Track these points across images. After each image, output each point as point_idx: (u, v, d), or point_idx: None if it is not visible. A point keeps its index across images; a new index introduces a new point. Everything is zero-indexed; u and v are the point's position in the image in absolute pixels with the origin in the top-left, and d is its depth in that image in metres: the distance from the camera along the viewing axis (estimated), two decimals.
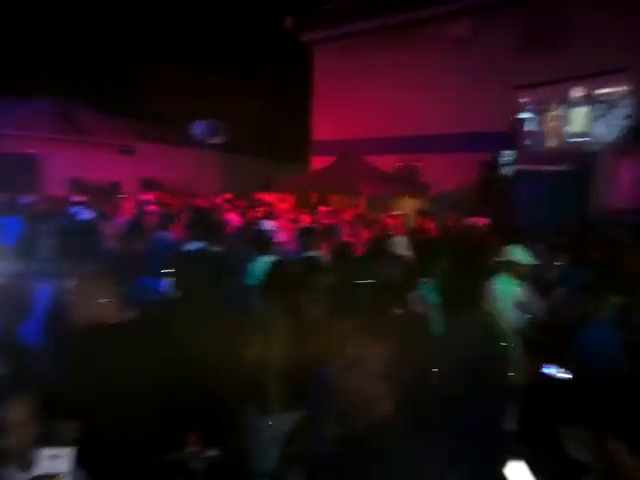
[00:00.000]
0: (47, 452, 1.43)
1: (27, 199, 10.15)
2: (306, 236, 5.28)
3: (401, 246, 6.20)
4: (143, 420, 2.41)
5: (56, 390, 2.09)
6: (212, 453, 1.65)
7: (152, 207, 10.24)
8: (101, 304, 2.58)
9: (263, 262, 4.78)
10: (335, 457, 1.52)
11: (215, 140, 14.59)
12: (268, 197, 13.64)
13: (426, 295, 4.02)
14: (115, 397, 2.25)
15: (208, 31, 22.11)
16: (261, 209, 9.89)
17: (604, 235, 5.89)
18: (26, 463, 1.55)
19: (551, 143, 9.95)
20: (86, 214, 6.78)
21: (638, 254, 4.30)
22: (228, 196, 13.45)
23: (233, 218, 8.66)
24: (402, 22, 13.18)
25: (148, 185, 16.53)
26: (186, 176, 17.34)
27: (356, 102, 13.95)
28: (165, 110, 19.18)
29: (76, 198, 11.00)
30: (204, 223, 6.24)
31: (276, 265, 3.05)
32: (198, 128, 14.47)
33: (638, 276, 3.78)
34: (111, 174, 16.27)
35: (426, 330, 3.20)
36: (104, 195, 13.68)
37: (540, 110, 10.14)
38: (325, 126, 15.01)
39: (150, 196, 13.84)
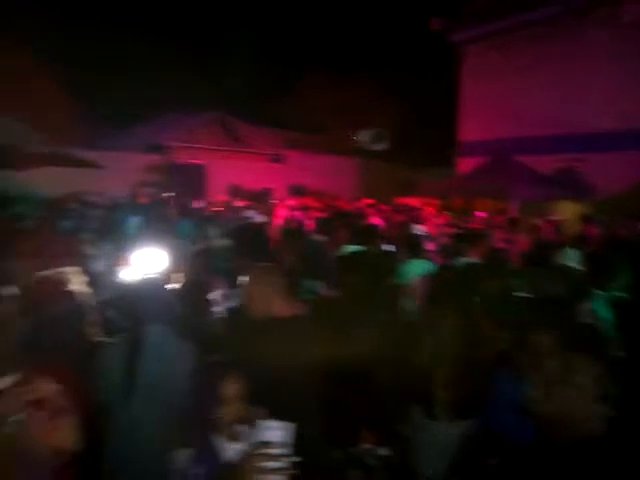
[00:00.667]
0: (265, 424, 1.58)
1: (198, 204, 11.44)
2: (461, 241, 5.11)
3: (566, 255, 5.69)
4: (316, 412, 2.55)
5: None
6: (385, 452, 1.69)
7: (299, 212, 10.88)
8: (273, 298, 2.79)
9: (416, 265, 4.77)
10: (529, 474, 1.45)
11: (379, 147, 14.94)
12: (412, 201, 13.54)
13: (597, 309, 3.65)
14: (290, 388, 2.41)
15: (353, 38, 22.67)
16: (406, 213, 9.84)
17: None
18: (234, 436, 1.77)
19: None
20: (257, 217, 7.43)
21: None
22: (370, 201, 13.67)
23: (377, 222, 8.75)
24: (563, 11, 12.11)
25: (296, 191, 17.50)
26: (330, 182, 18.05)
27: (508, 100, 13.17)
28: (312, 119, 20.18)
29: (239, 203, 12.12)
30: (355, 227, 6.46)
31: (445, 269, 3.01)
32: (364, 135, 14.97)
33: None
34: (264, 181, 17.57)
35: (603, 347, 2.91)
36: (258, 200, 14.82)
37: None
38: (473, 126, 14.43)
39: (298, 202, 14.67)
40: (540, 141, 12.50)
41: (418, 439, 2.78)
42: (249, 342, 2.50)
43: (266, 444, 1.53)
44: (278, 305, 2.82)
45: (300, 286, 4.59)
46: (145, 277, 2.79)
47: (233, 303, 3.58)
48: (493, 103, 13.57)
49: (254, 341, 2.48)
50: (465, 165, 13.71)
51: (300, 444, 2.33)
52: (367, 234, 5.21)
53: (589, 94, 11.49)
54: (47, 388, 2.00)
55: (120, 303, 3.35)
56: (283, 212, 11.24)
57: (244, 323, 2.87)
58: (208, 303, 3.57)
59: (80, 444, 1.96)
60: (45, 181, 10.24)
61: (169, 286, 2.89)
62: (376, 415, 2.32)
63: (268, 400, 2.32)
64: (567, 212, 10.11)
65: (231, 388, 1.77)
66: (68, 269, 3.01)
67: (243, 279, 3.08)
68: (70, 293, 3.13)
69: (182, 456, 1.67)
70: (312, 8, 22.48)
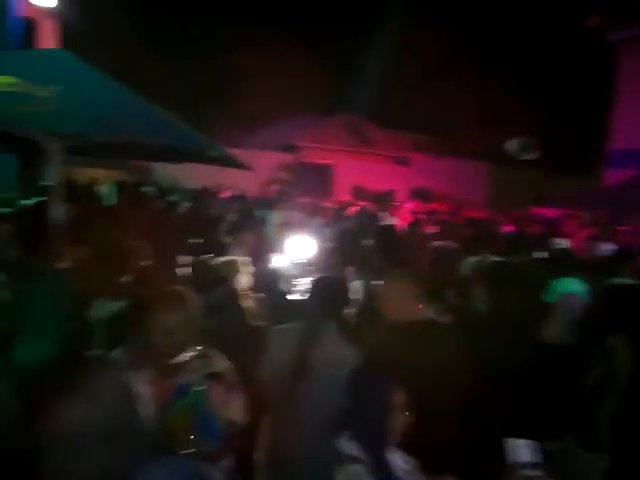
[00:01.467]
0: (515, 442, 1.55)
1: (326, 203, 11.79)
2: (624, 260, 4.65)
3: None
4: (455, 421, 2.50)
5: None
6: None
7: (422, 216, 10.67)
8: (408, 304, 2.76)
9: (566, 282, 4.44)
10: None
11: (529, 157, 14.28)
12: (547, 212, 12.60)
13: None
14: (429, 396, 2.38)
15: (492, 35, 21.58)
16: (545, 224, 9.19)
17: None
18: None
19: None
20: (392, 220, 7.43)
21: None
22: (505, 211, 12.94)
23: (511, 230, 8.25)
24: None
25: (419, 195, 17.22)
26: (456, 187, 17.46)
27: None
28: (439, 121, 19.68)
29: (361, 204, 12.23)
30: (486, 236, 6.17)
31: (622, 290, 2.79)
32: (514, 144, 14.46)
33: None
34: (388, 183, 17.58)
35: None
36: (380, 202, 14.88)
37: None
38: (627, 134, 12.98)
39: (419, 206, 14.43)
40: None
41: (568, 468, 2.61)
42: (397, 346, 2.50)
43: (521, 464, 1.52)
44: (414, 310, 2.79)
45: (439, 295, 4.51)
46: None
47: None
48: None
49: (403, 345, 2.48)
50: (613, 176, 12.39)
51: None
52: (517, 244, 4.95)
53: None
54: (222, 364, 2.23)
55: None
56: (405, 215, 11.14)
57: (383, 326, 2.88)
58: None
59: (247, 419, 2.15)
60: (186, 174, 11.24)
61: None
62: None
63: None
64: None
65: (398, 396, 1.76)
66: (234, 258, 3.29)
67: (377, 281, 3.11)
68: (225, 280, 3.43)
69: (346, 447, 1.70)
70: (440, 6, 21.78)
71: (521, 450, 1.49)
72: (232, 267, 3.25)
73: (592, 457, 2.52)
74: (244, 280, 3.29)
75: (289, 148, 17.46)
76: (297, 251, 4.03)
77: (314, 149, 17.60)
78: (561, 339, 3.30)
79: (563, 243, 6.23)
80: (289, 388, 2.29)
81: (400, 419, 1.72)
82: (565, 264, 4.66)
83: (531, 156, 13.71)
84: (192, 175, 11.13)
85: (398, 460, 1.73)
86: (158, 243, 3.68)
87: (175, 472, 1.33)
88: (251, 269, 3.36)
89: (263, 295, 3.37)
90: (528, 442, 1.54)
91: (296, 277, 4.21)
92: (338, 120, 18.80)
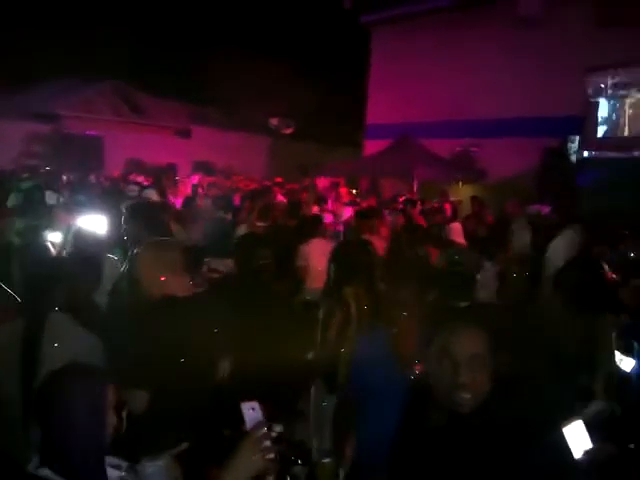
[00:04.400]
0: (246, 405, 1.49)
1: (93, 178, 10.60)
2: (363, 220, 5.18)
3: (456, 233, 6.01)
4: (208, 392, 2.42)
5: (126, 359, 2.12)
6: (278, 429, 1.63)
7: (203, 190, 10.51)
8: (166, 276, 2.56)
9: (320, 244, 4.80)
10: None
11: (288, 131, 14.92)
12: (320, 182, 13.63)
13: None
14: (181, 369, 2.25)
15: (264, 13, 22.09)
16: (311, 193, 9.87)
17: None
18: None
19: (628, 130, 9.32)
20: (153, 195, 6.98)
21: None
22: (278, 180, 13.56)
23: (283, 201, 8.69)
24: (465, 1, 12.67)
25: (201, 168, 16.88)
26: (239, 160, 17.62)
27: (414, 85, 13.59)
28: (221, 94, 19.44)
29: (135, 179, 11.40)
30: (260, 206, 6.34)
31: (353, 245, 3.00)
32: (274, 121, 14.98)
33: None
34: (167, 156, 16.73)
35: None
36: (160, 176, 14.11)
37: (617, 95, 9.49)
38: (381, 109, 14.72)
39: (202, 179, 14.19)
40: (442, 126, 13.09)
41: (315, 413, 2.77)
42: (144, 324, 2.26)
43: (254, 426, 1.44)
44: (174, 283, 2.58)
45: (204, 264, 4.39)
46: None
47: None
48: (399, 87, 13.91)
49: (151, 323, 2.25)
50: (371, 147, 14.01)
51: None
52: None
53: (489, 83, 12.15)
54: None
55: None
56: (186, 189, 10.80)
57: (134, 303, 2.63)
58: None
59: None
60: None
61: None
62: (270, 391, 2.25)
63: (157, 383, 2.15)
64: (462, 194, 10.72)
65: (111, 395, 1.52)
66: None
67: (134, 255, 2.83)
68: None
69: None
70: None
71: (252, 412, 1.48)
72: None
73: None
74: None
75: (46, 117, 15.11)
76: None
77: (77, 118, 15.59)
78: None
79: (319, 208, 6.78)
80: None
81: (113, 420, 1.50)
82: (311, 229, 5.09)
83: (289, 130, 14.75)
84: None
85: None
86: None
87: None
88: None
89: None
90: (256, 403, 1.51)
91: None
92: (105, 87, 16.94)
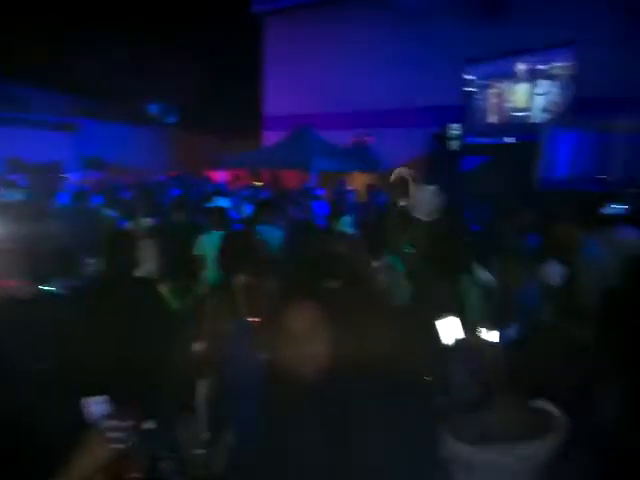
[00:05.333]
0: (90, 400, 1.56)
1: None
2: (262, 209, 5.17)
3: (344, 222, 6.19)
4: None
5: None
6: (148, 425, 1.63)
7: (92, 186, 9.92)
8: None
9: (216, 235, 4.72)
10: None
11: (170, 119, 14.29)
12: (219, 174, 13.40)
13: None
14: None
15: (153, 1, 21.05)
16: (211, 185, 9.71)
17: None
18: None
19: (493, 118, 10.17)
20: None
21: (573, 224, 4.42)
22: (173, 173, 13.17)
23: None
24: None
25: (91, 164, 15.84)
26: (133, 154, 16.76)
27: (309, 76, 13.74)
28: (110, 87, 18.29)
29: (13, 178, 10.43)
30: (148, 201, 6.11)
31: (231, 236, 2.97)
32: (153, 108, 14.16)
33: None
34: (52, 153, 15.48)
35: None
36: (44, 174, 13.06)
37: (485, 85, 10.32)
38: (278, 100, 14.73)
39: (92, 175, 13.38)
40: (337, 117, 13.38)
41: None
42: None
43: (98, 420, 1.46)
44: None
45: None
46: None
47: None
48: (296, 78, 14.00)
49: None
50: (271, 138, 13.99)
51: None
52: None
53: (379, 74, 12.60)
54: None
55: None
56: (73, 186, 10.12)
57: None
58: None
59: None
60: None
61: None
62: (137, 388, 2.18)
63: None
64: (359, 183, 11.07)
65: None
66: None
67: None
68: None
69: None
70: None
71: (95, 406, 1.48)
72: None
73: None
74: None
75: None
76: None
77: None
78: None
79: (222, 200, 6.66)
80: None
81: None
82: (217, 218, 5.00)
83: (172, 119, 14.28)
84: None
85: None
86: None
87: None
88: None
89: None
90: (100, 398, 1.51)
91: None
92: None
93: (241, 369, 2.21)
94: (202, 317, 2.77)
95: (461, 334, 2.12)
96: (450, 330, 2.13)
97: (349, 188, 10.12)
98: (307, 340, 1.33)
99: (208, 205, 6.26)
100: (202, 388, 2.81)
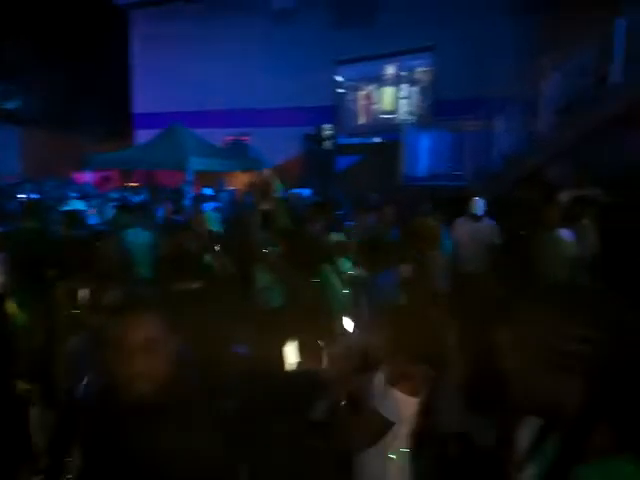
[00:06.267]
0: None
1: None
2: (123, 212, 4.89)
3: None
4: None
5: None
6: None
7: None
8: None
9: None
10: None
11: (10, 105, 12.78)
12: (86, 176, 12.40)
13: None
14: None
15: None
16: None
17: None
18: None
19: (363, 119, 10.72)
20: None
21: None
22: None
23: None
24: None
25: None
26: None
27: (181, 73, 13.27)
28: None
29: None
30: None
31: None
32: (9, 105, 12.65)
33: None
34: None
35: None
36: None
37: (354, 87, 10.81)
38: (148, 98, 14.02)
39: None
40: (211, 115, 13.10)
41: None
42: None
43: None
44: None
45: None
46: None
47: None
48: (167, 75, 13.42)
49: None
50: (143, 137, 13.26)
51: None
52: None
53: (254, 73, 12.55)
54: None
55: None
56: None
57: None
58: None
59: None
60: None
61: None
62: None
63: None
64: (239, 182, 10.96)
65: None
66: None
67: None
68: None
69: None
70: None
71: None
72: None
73: None
74: None
75: None
76: None
77: None
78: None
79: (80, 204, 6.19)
80: None
81: None
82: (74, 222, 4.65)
83: (12, 104, 13.05)
84: None
85: None
86: None
87: None
88: None
89: None
90: None
91: None
92: None
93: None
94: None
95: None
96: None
97: (228, 187, 9.99)
98: (142, 355, 1.25)
99: (63, 209, 5.78)
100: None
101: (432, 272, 3.83)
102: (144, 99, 14.22)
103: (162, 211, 6.64)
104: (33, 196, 7.89)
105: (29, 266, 4.18)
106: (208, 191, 9.53)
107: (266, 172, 4.44)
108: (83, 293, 2.46)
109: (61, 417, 2.06)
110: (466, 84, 9.79)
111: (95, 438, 1.34)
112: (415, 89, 10.33)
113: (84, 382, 1.72)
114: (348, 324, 2.95)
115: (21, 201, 6.95)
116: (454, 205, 5.15)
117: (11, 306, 3.05)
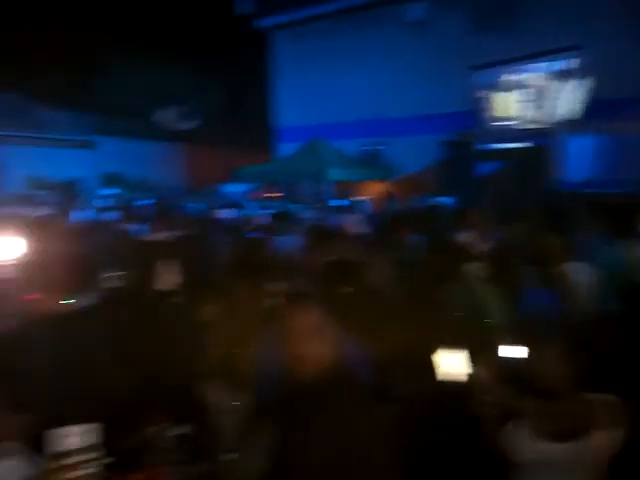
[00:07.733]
0: (59, 432, 1.39)
1: None
2: (280, 220, 5.34)
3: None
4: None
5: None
6: (181, 430, 1.66)
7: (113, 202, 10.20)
8: None
9: None
10: None
11: (183, 126, 14.44)
12: (236, 187, 13.60)
13: None
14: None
15: (165, 19, 21.46)
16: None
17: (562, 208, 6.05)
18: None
19: (506, 122, 10.23)
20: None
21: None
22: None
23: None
24: (358, 6, 13.29)
25: (111, 180, 16.21)
26: (151, 169, 17.11)
27: (321, 87, 13.95)
28: (127, 104, 18.69)
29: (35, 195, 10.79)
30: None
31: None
32: (163, 115, 14.30)
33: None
34: (72, 170, 15.90)
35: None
36: (63, 192, 13.43)
37: (495, 90, 10.38)
38: (290, 112, 14.97)
39: (111, 191, 13.68)
40: (349, 126, 13.55)
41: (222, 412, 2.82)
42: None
43: (64, 454, 1.37)
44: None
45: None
46: None
47: None
48: (307, 90, 14.23)
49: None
50: (286, 150, 14.17)
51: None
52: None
53: (388, 84, 12.77)
54: None
55: None
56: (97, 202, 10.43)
57: None
58: None
59: None
60: None
61: None
62: (169, 393, 2.27)
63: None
64: (374, 191, 11.16)
65: None
66: None
67: None
68: None
69: None
70: None
71: (67, 439, 1.39)
72: None
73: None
74: None
75: None
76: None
77: None
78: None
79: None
80: None
81: None
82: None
83: (185, 126, 14.42)
84: None
85: None
86: None
87: None
88: None
89: None
90: (78, 428, 1.43)
91: None
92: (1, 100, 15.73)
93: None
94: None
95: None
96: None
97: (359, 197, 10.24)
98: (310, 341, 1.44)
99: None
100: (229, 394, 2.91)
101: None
102: (286, 113, 15.21)
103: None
104: (193, 206, 8.85)
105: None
106: (345, 201, 9.85)
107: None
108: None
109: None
110: (622, 82, 8.94)
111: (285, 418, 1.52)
112: (564, 89, 9.57)
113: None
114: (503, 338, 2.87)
115: (184, 209, 7.82)
116: (619, 215, 4.64)
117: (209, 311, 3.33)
